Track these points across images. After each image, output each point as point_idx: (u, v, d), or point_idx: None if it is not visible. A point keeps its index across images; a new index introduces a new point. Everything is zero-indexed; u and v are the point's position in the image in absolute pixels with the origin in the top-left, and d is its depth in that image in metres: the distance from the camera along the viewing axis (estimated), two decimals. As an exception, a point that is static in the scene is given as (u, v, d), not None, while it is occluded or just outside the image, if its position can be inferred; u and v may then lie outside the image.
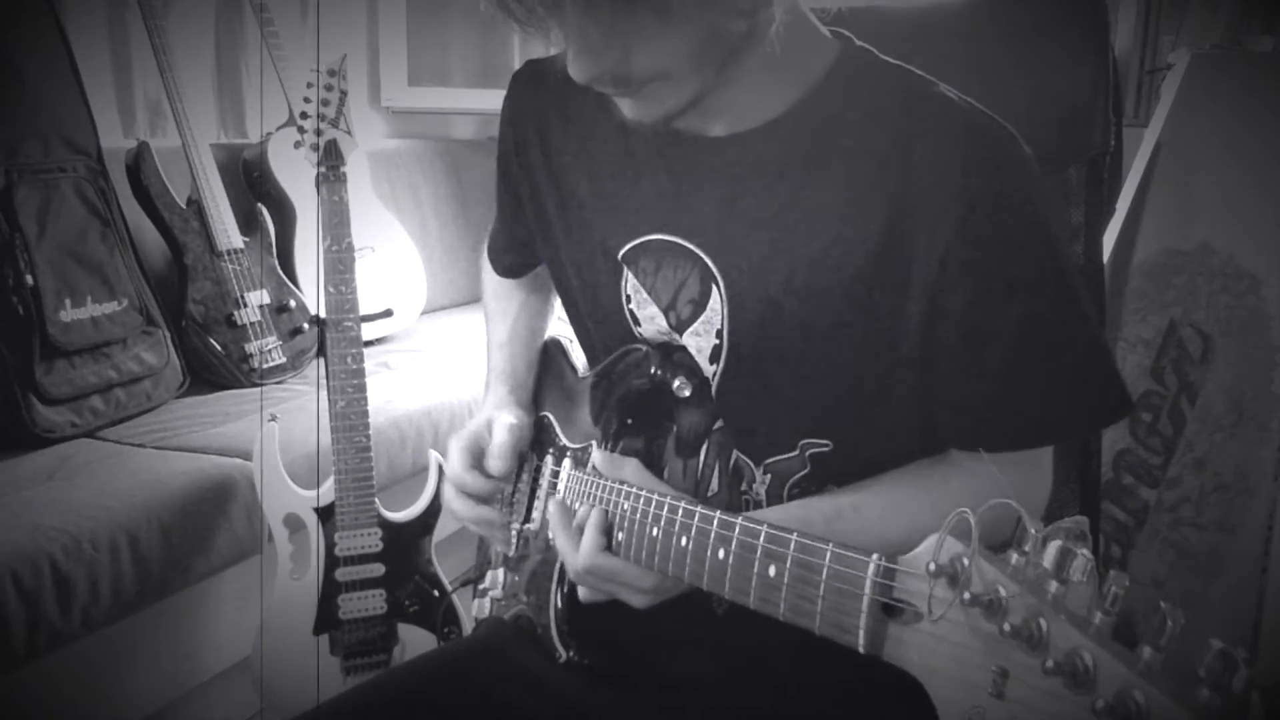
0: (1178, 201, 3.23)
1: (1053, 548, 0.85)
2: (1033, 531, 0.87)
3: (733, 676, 1.56)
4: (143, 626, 2.83)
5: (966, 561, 0.89)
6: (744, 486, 1.52)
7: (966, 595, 0.87)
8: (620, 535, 1.42)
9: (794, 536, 1.13)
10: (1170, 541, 3.22)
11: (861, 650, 1.02)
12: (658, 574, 1.38)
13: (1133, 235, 3.27)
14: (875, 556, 1.02)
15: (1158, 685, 0.73)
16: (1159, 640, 0.76)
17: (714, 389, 1.50)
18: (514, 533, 1.74)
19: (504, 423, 1.74)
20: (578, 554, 1.45)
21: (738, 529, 1.21)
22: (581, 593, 1.50)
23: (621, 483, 1.45)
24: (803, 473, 1.49)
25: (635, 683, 1.60)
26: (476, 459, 1.74)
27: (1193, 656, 0.73)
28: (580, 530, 1.47)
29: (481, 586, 1.88)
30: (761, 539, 1.17)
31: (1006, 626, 0.82)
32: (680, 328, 1.51)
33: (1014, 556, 0.88)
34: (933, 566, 0.91)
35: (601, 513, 1.47)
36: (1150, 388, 3.24)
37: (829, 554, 1.07)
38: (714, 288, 1.46)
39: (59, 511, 2.58)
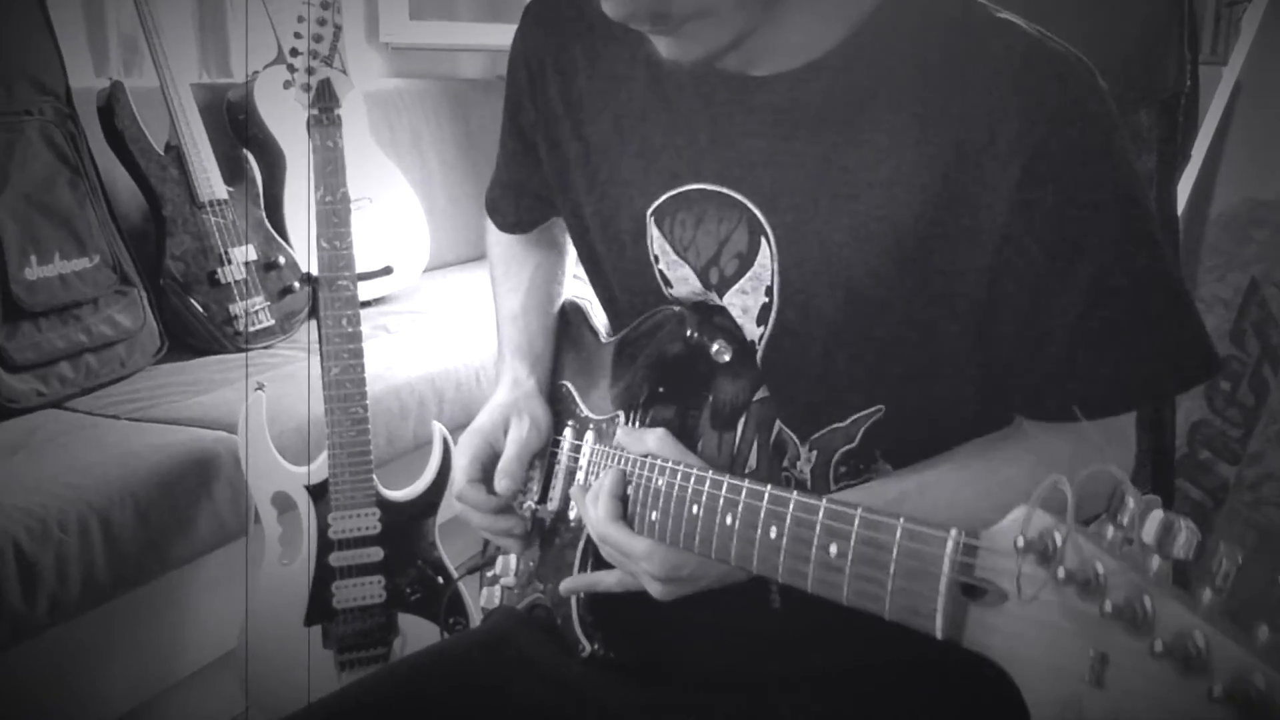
0: (1259, 147, 3.22)
1: (1154, 519, 0.84)
2: (1131, 502, 0.86)
3: (780, 670, 1.55)
4: (116, 617, 2.83)
5: (1059, 536, 0.88)
6: (785, 463, 1.52)
7: (1060, 573, 0.86)
8: (655, 515, 1.41)
9: (859, 511, 1.11)
10: (1251, 522, 3.21)
11: (939, 636, 1.01)
12: (668, 557, 1.39)
13: (1209, 185, 3.26)
14: (954, 531, 1.01)
15: (1280, 668, 0.72)
16: (1278, 619, 0.75)
17: (760, 352, 1.49)
18: (529, 512, 1.73)
19: (517, 433, 1.72)
20: (589, 524, 1.48)
21: (792, 504, 1.20)
22: (614, 579, 1.51)
23: (651, 457, 1.44)
24: (849, 446, 1.48)
25: (668, 680, 1.60)
26: (486, 467, 1.73)
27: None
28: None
29: (491, 573, 1.88)
30: (820, 515, 1.16)
31: (1107, 606, 0.81)
32: (723, 285, 1.50)
33: (1109, 530, 0.87)
34: (1021, 541, 0.90)
35: (618, 473, 1.47)
36: (1229, 353, 3.23)
37: (900, 530, 1.06)
38: (763, 240, 1.45)
39: (24, 490, 2.59)
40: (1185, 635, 0.77)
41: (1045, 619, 0.90)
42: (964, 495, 1.37)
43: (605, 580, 1.52)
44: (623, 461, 1.50)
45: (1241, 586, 0.80)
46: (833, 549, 1.13)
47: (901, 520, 1.06)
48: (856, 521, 1.11)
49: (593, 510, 1.49)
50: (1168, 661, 0.77)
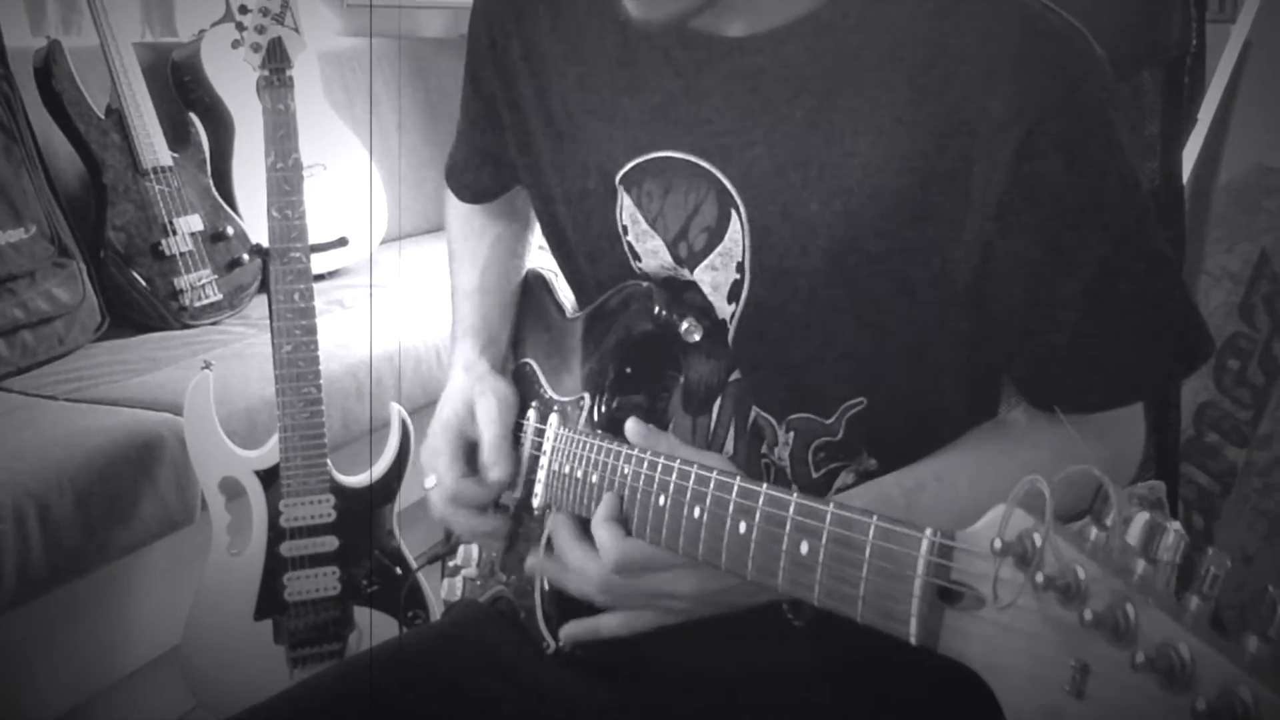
0: (1270, 110, 3.22)
1: (1139, 521, 0.84)
2: (1115, 503, 0.86)
3: (759, 666, 1.55)
4: (53, 611, 2.84)
5: (1039, 538, 0.88)
6: (764, 449, 1.52)
7: (1039, 577, 0.86)
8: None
9: (830, 508, 1.11)
10: (1261, 510, 3.21)
11: (913, 642, 1.01)
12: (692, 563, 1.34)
13: (1217, 150, 3.26)
14: (929, 532, 1.01)
15: (1268, 682, 0.72)
16: (1268, 629, 0.75)
17: (731, 333, 1.49)
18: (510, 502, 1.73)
19: (488, 413, 1.70)
20: (602, 558, 1.40)
21: (761, 498, 1.20)
22: (618, 621, 1.46)
23: (625, 445, 1.43)
24: (830, 438, 1.48)
25: (636, 678, 1.59)
26: (469, 460, 1.72)
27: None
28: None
29: (452, 563, 1.88)
30: (791, 510, 1.15)
31: (1087, 614, 0.81)
32: (692, 261, 1.50)
33: (1093, 531, 0.87)
34: (998, 544, 0.90)
35: (615, 499, 1.43)
36: (1238, 329, 3.22)
37: (873, 528, 1.06)
38: (733, 213, 1.45)
39: (-46, 476, 2.57)
40: (1169, 646, 0.76)
41: (1024, 626, 0.90)
42: (984, 480, 1.38)
43: (608, 624, 1.46)
44: (585, 449, 1.50)
45: (1239, 588, 0.80)
46: (804, 547, 1.13)
47: (874, 518, 1.06)
48: (828, 519, 1.11)
49: (587, 559, 1.44)
50: (1150, 674, 0.77)
